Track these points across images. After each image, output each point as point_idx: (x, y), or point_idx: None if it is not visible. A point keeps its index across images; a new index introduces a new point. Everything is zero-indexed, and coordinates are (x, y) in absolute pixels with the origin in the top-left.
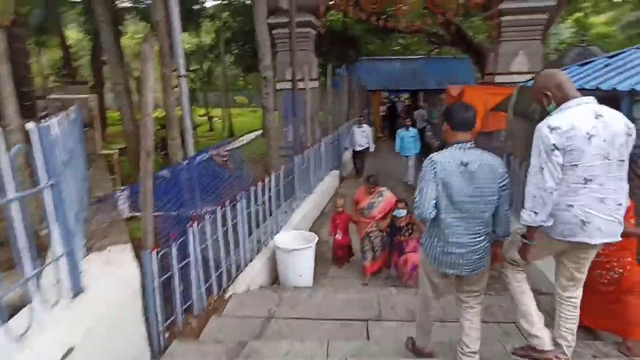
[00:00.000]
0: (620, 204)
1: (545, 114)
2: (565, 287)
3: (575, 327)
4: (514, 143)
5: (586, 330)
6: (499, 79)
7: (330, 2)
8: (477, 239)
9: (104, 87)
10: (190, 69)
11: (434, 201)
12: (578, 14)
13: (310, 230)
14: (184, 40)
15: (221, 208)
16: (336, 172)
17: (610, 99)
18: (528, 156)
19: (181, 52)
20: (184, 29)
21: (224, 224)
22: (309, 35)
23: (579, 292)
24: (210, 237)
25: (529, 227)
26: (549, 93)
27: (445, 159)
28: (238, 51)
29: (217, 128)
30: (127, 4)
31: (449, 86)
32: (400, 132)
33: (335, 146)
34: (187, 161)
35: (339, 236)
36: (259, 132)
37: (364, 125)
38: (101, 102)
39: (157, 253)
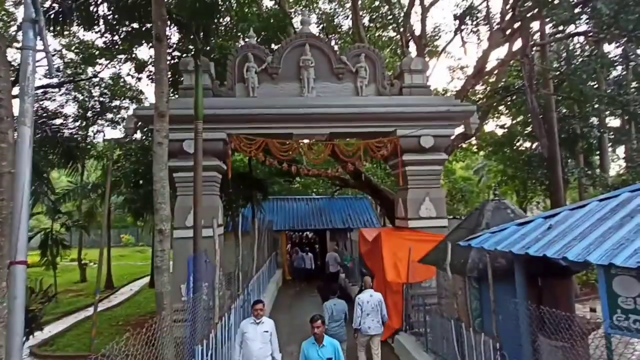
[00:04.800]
0: (379, 320)
1: (482, 272)
2: None
3: None
4: (458, 306)
5: None
6: (412, 223)
7: (238, 146)
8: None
9: None
10: (62, 210)
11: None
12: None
13: None
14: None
15: None
16: None
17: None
18: (475, 317)
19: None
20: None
21: None
22: (214, 179)
23: None
24: None
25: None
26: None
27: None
28: (128, 194)
29: (92, 277)
30: None
31: (361, 230)
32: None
33: (246, 307)
34: None
35: None
36: (146, 279)
37: (264, 319)
38: None
39: None
